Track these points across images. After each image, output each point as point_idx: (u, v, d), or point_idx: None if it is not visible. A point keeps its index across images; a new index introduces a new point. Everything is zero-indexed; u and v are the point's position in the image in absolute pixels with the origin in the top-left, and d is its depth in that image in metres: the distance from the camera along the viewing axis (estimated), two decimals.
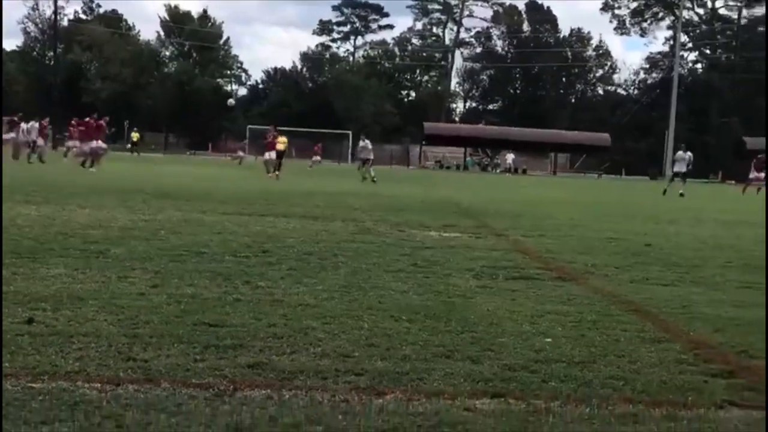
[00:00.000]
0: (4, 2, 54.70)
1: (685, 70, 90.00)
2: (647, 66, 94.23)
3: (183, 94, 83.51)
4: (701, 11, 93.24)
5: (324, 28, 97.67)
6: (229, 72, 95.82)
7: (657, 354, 4.86)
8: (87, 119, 30.75)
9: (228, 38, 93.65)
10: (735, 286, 7.73)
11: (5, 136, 32.11)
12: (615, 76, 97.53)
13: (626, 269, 8.59)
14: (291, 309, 5.62)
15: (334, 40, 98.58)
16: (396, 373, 4.19)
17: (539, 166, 76.67)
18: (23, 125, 33.90)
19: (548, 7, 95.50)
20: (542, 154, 79.04)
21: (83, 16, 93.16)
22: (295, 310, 5.61)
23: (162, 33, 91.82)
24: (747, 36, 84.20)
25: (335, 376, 4.09)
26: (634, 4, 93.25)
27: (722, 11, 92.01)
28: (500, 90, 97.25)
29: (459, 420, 3.52)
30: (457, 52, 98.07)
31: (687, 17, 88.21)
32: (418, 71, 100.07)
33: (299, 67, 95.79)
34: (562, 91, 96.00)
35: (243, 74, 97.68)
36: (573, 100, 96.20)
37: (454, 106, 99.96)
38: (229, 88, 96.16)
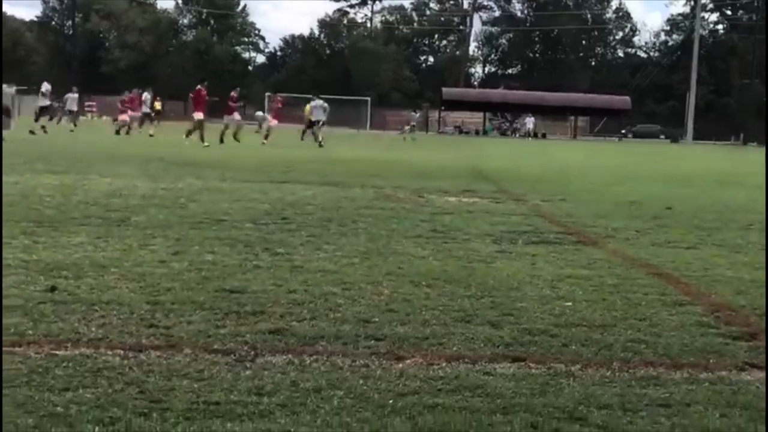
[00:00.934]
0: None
1: (706, 32, 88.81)
2: (668, 28, 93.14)
3: (201, 62, 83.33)
4: None
5: None
6: (246, 39, 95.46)
7: (678, 317, 4.85)
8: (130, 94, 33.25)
9: (245, 6, 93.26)
10: (757, 249, 7.68)
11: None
12: (635, 39, 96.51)
13: (647, 232, 8.56)
14: (311, 275, 5.64)
15: (351, 6, 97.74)
16: (416, 338, 4.21)
17: (559, 130, 76.16)
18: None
19: None
20: (562, 118, 78.46)
21: None
22: (315, 276, 5.63)
23: (180, 1, 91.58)
24: None
25: (355, 342, 4.11)
26: None
27: None
28: (519, 54, 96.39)
29: (479, 384, 3.53)
30: (476, 16, 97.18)
31: None
32: (436, 36, 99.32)
33: (317, 33, 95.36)
34: (581, 54, 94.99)
35: (261, 42, 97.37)
36: (593, 63, 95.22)
37: (473, 70, 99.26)
38: (246, 55, 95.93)
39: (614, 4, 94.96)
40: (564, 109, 73.38)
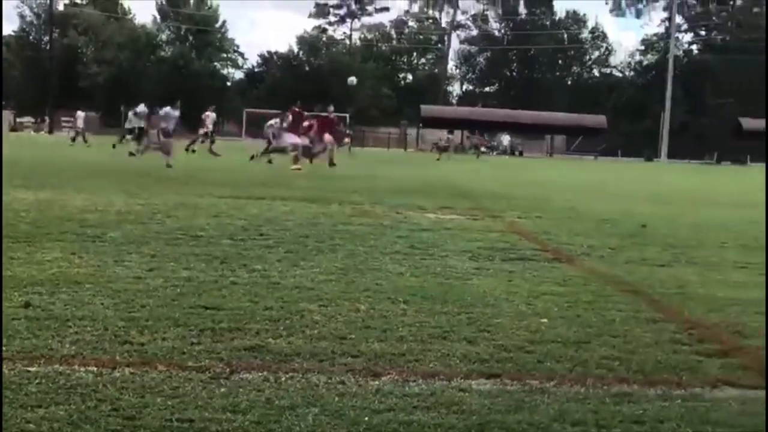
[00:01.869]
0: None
1: (681, 52, 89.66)
2: (643, 48, 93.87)
3: (180, 77, 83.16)
4: None
5: (320, 11, 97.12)
6: (225, 55, 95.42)
7: (652, 334, 4.88)
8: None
9: (224, 22, 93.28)
10: (731, 267, 7.75)
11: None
12: (611, 58, 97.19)
13: (622, 250, 8.61)
14: (288, 292, 5.63)
15: (330, 23, 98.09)
16: (392, 355, 4.21)
17: (536, 148, 76.56)
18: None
19: None
20: (539, 137, 78.89)
21: (79, 0, 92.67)
22: (292, 292, 5.62)
23: (158, 16, 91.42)
24: (742, 17, 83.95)
25: (332, 359, 4.11)
26: None
27: None
28: (497, 72, 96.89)
29: (454, 401, 3.54)
30: (454, 35, 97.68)
31: None
32: (414, 54, 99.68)
33: (296, 50, 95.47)
34: (558, 74, 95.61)
35: (239, 58, 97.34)
36: (569, 82, 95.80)
37: (451, 88, 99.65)
38: (225, 71, 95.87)
39: (590, 24, 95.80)
40: (540, 128, 73.85)
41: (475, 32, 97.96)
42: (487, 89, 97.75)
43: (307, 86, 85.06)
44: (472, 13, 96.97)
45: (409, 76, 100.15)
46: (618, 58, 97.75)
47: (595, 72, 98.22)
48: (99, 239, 7.66)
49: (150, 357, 4.00)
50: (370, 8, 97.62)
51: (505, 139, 70.13)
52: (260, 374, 3.80)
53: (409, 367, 4.03)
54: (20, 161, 19.68)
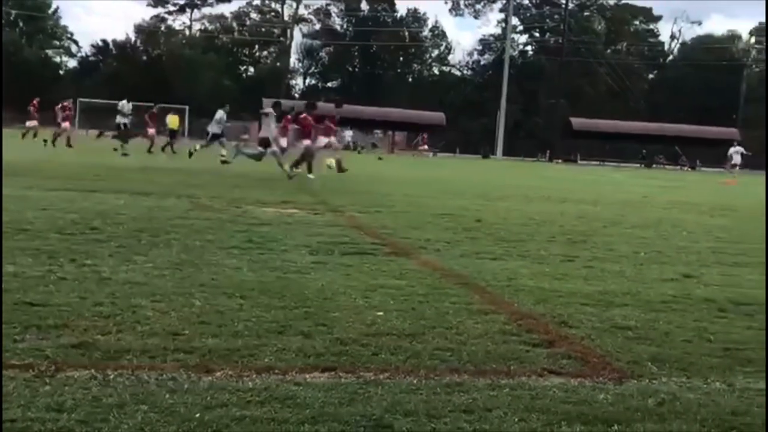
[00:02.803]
0: None
1: (516, 52, 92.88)
2: (480, 47, 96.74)
3: (9, 65, 79.15)
4: None
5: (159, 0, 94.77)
6: (58, 43, 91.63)
7: (483, 325, 5.03)
8: None
9: (57, 8, 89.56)
10: (558, 260, 8.09)
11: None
12: (450, 57, 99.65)
13: (457, 244, 8.84)
14: (119, 287, 5.48)
15: (169, 13, 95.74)
16: (227, 350, 4.16)
17: (378, 144, 77.40)
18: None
19: None
20: (381, 132, 79.85)
21: None
22: (123, 288, 5.47)
23: None
24: (573, 20, 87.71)
25: (163, 355, 4.02)
26: None
27: None
28: (339, 68, 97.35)
29: (289, 395, 3.54)
30: (296, 29, 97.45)
31: (518, 0, 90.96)
32: (256, 47, 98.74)
33: (133, 39, 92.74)
34: (399, 71, 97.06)
35: (73, 46, 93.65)
36: (410, 79, 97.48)
37: (294, 82, 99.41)
38: (58, 59, 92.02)
39: (430, 23, 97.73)
40: (382, 124, 74.74)
41: (318, 26, 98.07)
42: (329, 84, 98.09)
43: (145, 76, 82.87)
44: (315, 7, 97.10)
45: (252, 69, 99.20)
46: (457, 57, 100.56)
47: (435, 70, 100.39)
48: None
49: None
50: None
51: (347, 134, 70.52)
52: (87, 372, 3.68)
53: (244, 362, 3.99)
54: None
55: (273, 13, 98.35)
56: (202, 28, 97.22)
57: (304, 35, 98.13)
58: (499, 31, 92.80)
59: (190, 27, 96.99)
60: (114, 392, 3.43)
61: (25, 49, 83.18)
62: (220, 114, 28.09)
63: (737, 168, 41.74)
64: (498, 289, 6.29)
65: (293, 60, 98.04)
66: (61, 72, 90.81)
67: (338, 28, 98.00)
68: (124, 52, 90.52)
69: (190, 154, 25.79)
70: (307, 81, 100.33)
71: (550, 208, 15.02)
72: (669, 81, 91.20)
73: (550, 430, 3.36)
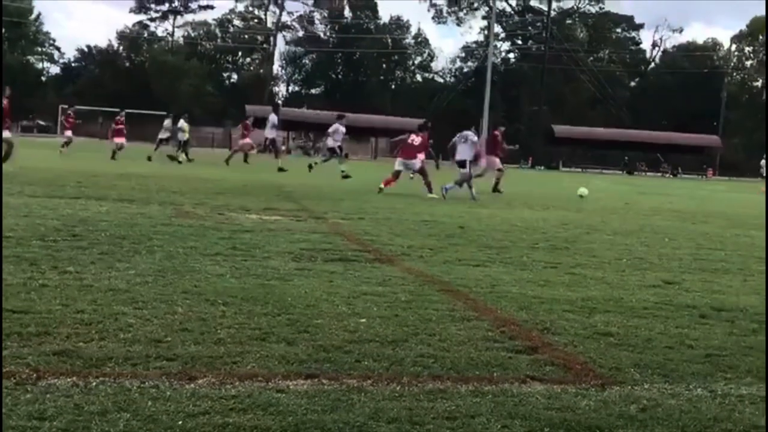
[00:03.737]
0: None
1: (499, 60, 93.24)
2: (463, 55, 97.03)
3: None
4: (514, 3, 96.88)
5: (141, 6, 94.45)
6: (40, 49, 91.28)
7: (466, 332, 5.04)
8: None
9: (39, 14, 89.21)
10: (541, 267, 8.11)
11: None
12: (433, 64, 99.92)
13: (440, 251, 8.85)
14: (101, 294, 5.45)
15: (152, 19, 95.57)
16: (209, 357, 4.15)
17: (361, 150, 77.45)
18: None
19: None
20: (364, 139, 79.87)
21: None
22: (106, 295, 5.44)
23: None
24: (556, 28, 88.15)
25: (146, 362, 4.01)
26: None
27: (534, 3, 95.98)
28: (323, 74, 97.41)
29: (271, 402, 3.53)
30: (280, 36, 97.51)
31: (500, 8, 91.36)
32: (240, 53, 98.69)
33: (116, 45, 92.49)
34: (382, 78, 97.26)
35: (56, 52, 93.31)
36: (393, 86, 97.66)
37: (277, 89, 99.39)
38: (40, 65, 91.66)
39: (413, 30, 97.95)
40: (365, 130, 74.78)
41: (301, 33, 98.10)
42: (313, 91, 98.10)
43: (128, 83, 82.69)
44: (299, 14, 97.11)
45: (235, 76, 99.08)
46: (440, 64, 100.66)
47: (418, 77, 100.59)
48: None
49: None
50: (193, 5, 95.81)
51: (330, 141, 70.52)
52: (69, 380, 3.65)
53: (227, 369, 3.98)
54: None
55: (256, 20, 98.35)
56: (185, 34, 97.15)
57: (287, 42, 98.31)
58: (481, 38, 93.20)
59: (172, 34, 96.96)
60: (96, 400, 3.41)
61: (7, 55, 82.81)
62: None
63: None
64: (481, 296, 6.30)
65: (276, 67, 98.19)
66: (43, 78, 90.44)
67: (321, 35, 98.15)
68: (107, 59, 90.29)
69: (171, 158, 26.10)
70: (291, 88, 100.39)
71: (532, 215, 15.07)
72: (650, 88, 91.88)
73: None
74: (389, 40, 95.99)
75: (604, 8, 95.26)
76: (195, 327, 4.74)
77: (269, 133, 29.28)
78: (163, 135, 33.64)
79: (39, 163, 23.04)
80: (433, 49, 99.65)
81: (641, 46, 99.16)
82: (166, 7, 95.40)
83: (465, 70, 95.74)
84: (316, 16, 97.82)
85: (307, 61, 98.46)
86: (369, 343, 4.62)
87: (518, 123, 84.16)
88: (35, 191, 12.99)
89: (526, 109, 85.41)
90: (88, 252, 7.22)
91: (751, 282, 7.87)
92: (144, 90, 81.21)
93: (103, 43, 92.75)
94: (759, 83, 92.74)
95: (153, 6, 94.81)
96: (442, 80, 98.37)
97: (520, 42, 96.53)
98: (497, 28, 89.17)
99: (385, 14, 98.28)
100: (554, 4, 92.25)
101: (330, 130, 27.38)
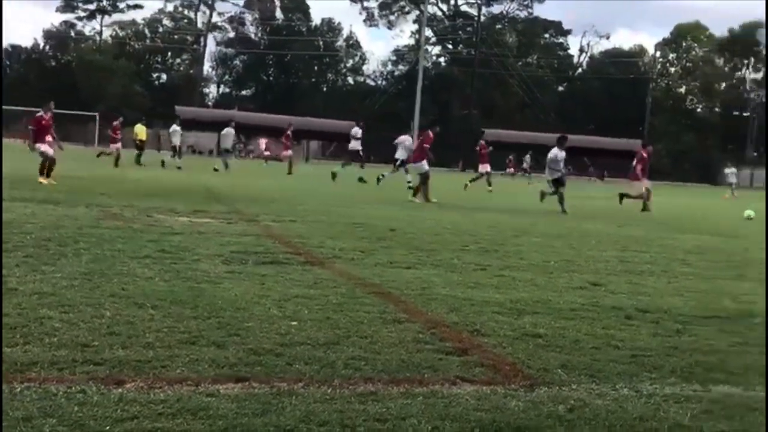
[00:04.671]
0: None
1: (430, 64, 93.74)
2: (394, 58, 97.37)
3: None
4: (444, 7, 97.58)
5: (68, 5, 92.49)
6: None
7: (397, 334, 5.06)
8: None
9: None
10: (471, 269, 8.19)
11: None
12: (364, 67, 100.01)
13: (371, 253, 8.87)
14: (26, 298, 5.34)
15: (79, 18, 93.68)
16: (138, 362, 4.09)
17: (293, 152, 77.08)
18: None
19: None
20: (295, 141, 79.60)
21: None
22: (31, 298, 5.33)
23: None
24: (486, 33, 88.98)
25: (72, 367, 3.94)
26: None
27: (464, 8, 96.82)
28: (254, 76, 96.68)
29: (201, 406, 3.50)
30: (210, 36, 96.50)
31: (431, 12, 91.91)
32: (169, 54, 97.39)
33: (41, 44, 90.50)
34: (314, 80, 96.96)
35: None
36: (325, 89, 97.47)
37: (207, 90, 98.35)
38: None
39: (345, 33, 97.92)
40: (297, 132, 74.52)
41: (232, 34, 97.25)
42: (244, 92, 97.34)
43: (54, 82, 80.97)
44: (229, 15, 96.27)
45: (164, 76, 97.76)
46: (371, 67, 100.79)
47: (350, 80, 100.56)
48: None
49: None
50: (121, 5, 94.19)
51: (263, 143, 70.06)
52: None
53: (155, 373, 3.93)
54: None
55: (186, 21, 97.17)
56: (113, 34, 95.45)
57: (217, 43, 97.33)
58: (412, 42, 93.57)
59: (100, 33, 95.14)
60: (21, 405, 3.34)
61: None
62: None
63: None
64: (412, 298, 6.34)
65: (207, 68, 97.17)
66: None
67: (252, 36, 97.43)
68: (32, 58, 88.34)
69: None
70: (221, 89, 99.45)
71: (463, 217, 15.20)
72: (578, 93, 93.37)
73: None
74: (321, 43, 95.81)
75: (533, 13, 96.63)
76: (123, 331, 4.67)
77: (354, 145, 30.72)
78: (176, 141, 33.43)
79: None
80: (365, 52, 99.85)
81: (569, 51, 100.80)
82: (93, 6, 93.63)
83: (396, 73, 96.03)
84: (247, 17, 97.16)
85: (237, 63, 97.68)
86: (300, 346, 4.61)
87: (449, 126, 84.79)
88: None
89: (457, 113, 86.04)
90: (13, 255, 7.06)
91: (675, 284, 8.06)
92: (71, 89, 79.61)
93: (28, 42, 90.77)
94: (683, 89, 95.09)
95: (80, 5, 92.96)
96: (373, 83, 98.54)
97: (450, 46, 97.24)
98: (428, 32, 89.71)
99: (317, 16, 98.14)
100: (484, 9, 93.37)
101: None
